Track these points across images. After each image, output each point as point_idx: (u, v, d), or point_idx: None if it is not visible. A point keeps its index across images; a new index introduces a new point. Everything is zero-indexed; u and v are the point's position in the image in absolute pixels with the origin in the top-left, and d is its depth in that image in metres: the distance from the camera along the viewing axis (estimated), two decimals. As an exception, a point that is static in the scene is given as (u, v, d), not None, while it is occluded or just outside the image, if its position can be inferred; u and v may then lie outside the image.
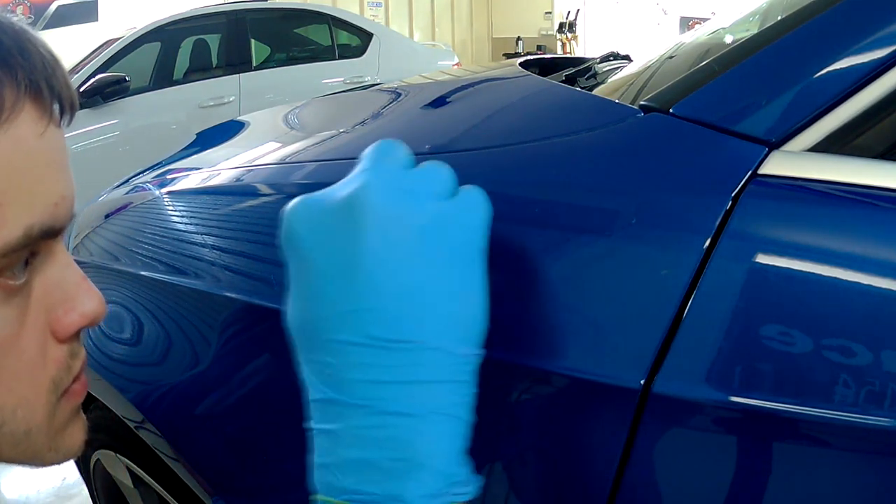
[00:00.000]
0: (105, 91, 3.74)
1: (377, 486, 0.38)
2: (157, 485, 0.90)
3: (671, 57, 0.76)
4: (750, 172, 0.44)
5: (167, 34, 4.16)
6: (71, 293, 0.39)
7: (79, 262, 0.91)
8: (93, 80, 3.72)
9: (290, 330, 0.41)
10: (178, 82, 4.14)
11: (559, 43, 10.61)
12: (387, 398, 0.38)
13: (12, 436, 0.38)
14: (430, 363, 0.38)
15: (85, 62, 4.01)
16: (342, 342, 0.38)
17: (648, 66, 0.76)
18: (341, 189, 0.41)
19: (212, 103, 4.01)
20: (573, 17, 10.74)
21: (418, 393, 0.38)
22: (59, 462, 0.42)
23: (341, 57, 4.56)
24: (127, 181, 1.03)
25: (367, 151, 0.43)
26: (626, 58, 1.12)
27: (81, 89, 3.67)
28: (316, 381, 0.40)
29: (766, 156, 0.44)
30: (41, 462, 0.41)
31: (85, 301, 0.39)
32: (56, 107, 0.37)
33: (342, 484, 0.39)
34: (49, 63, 0.37)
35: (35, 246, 0.36)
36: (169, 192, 0.84)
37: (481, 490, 0.41)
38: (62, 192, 0.37)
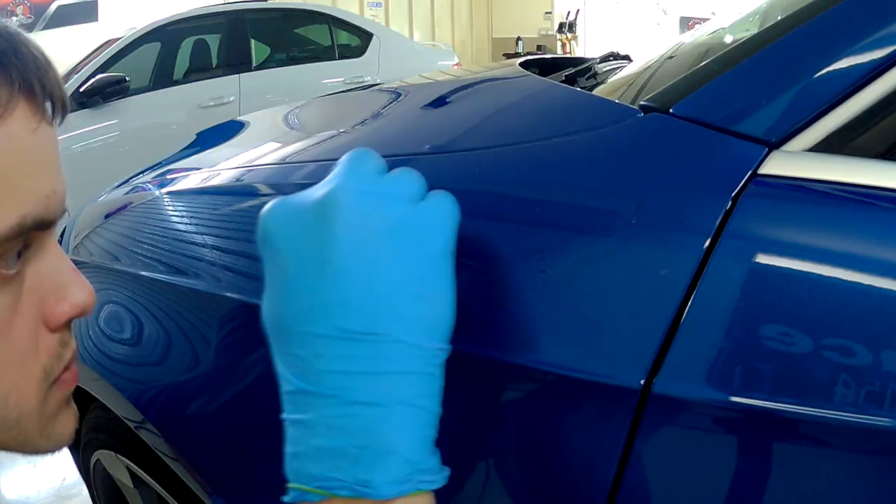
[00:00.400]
0: (105, 91, 3.73)
1: (346, 473, 0.40)
2: (157, 485, 0.90)
3: (671, 57, 0.76)
4: (750, 172, 0.44)
5: (167, 34, 4.15)
6: (62, 284, 0.41)
7: (79, 263, 0.91)
8: (93, 80, 3.71)
9: (265, 326, 0.43)
10: (178, 82, 4.14)
11: (559, 43, 10.60)
12: (355, 388, 0.40)
13: (4, 421, 0.40)
14: (396, 355, 0.40)
15: (85, 62, 4.01)
16: (313, 334, 0.40)
17: (648, 66, 0.76)
18: (315, 191, 0.43)
19: (212, 103, 4.01)
20: (573, 17, 10.74)
21: (384, 383, 0.40)
22: (50, 450, 0.43)
23: (341, 57, 4.56)
24: (127, 181, 1.03)
25: (342, 159, 0.45)
26: (626, 58, 1.12)
27: (81, 89, 3.67)
28: (288, 374, 0.41)
29: (766, 156, 0.44)
30: (33, 449, 0.42)
31: (76, 292, 0.41)
32: (48, 105, 0.39)
33: (313, 471, 0.40)
34: (42, 64, 0.39)
35: (28, 238, 0.38)
36: (169, 192, 0.84)
37: (447, 480, 0.42)
38: (53, 186, 0.39)
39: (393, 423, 0.40)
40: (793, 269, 0.41)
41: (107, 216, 0.94)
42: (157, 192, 0.86)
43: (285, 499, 0.42)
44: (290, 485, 0.41)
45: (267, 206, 0.44)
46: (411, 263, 0.41)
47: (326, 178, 0.44)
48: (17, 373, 0.40)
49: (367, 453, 0.39)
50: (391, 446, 0.40)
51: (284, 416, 0.42)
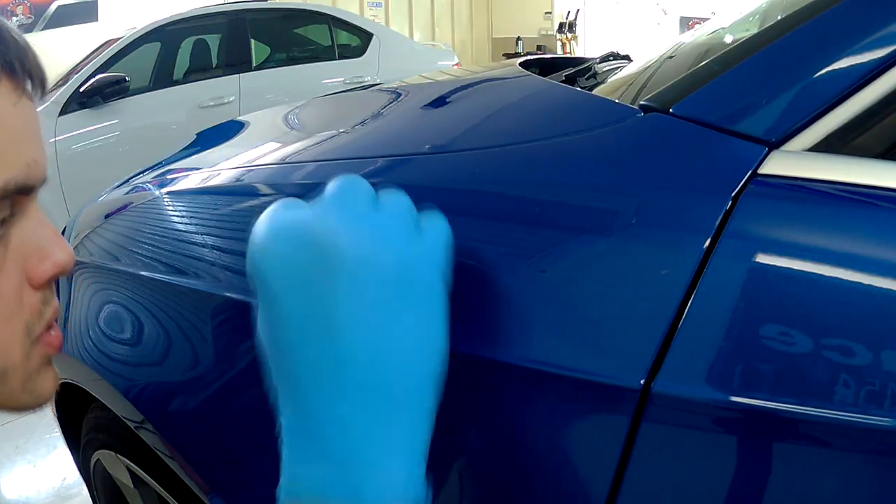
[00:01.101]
0: (105, 91, 3.73)
1: (338, 490, 0.41)
2: (157, 485, 0.90)
3: (671, 57, 0.76)
4: (750, 172, 0.44)
5: (167, 34, 4.15)
6: (44, 245, 0.45)
7: (78, 263, 0.91)
8: (93, 81, 3.71)
9: (265, 349, 0.43)
10: (178, 82, 4.14)
11: (559, 43, 10.60)
12: (350, 425, 0.41)
13: None
14: (393, 397, 0.41)
15: (85, 62, 4.01)
16: (316, 383, 0.41)
17: (648, 66, 0.76)
18: (306, 223, 0.42)
19: (212, 103, 4.01)
20: (573, 17, 10.73)
21: (379, 424, 0.41)
22: (31, 406, 0.47)
23: (341, 57, 4.56)
24: (127, 181, 1.03)
25: (330, 187, 0.44)
26: (626, 58, 1.12)
27: (81, 89, 3.67)
28: (287, 406, 0.42)
29: (766, 156, 0.44)
30: (16, 404, 0.46)
31: (57, 252, 0.45)
32: (28, 82, 0.43)
33: (305, 497, 0.41)
34: (21, 46, 0.43)
35: (12, 204, 0.42)
36: (169, 192, 0.84)
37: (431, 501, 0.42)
38: (35, 155, 0.43)
39: (383, 458, 0.41)
40: (793, 269, 0.41)
41: (107, 216, 0.94)
42: (157, 192, 0.86)
43: None
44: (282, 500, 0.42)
45: (255, 237, 0.43)
46: (409, 312, 0.42)
47: (316, 206, 0.43)
48: (2, 327, 0.43)
49: (355, 482, 0.40)
50: (381, 477, 0.41)
51: (279, 434, 0.43)
